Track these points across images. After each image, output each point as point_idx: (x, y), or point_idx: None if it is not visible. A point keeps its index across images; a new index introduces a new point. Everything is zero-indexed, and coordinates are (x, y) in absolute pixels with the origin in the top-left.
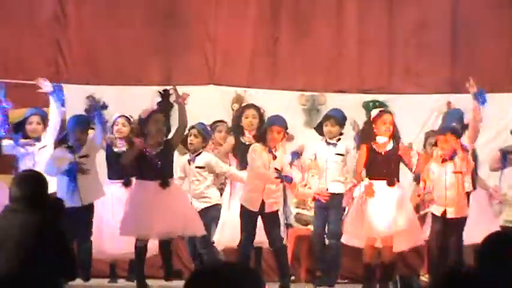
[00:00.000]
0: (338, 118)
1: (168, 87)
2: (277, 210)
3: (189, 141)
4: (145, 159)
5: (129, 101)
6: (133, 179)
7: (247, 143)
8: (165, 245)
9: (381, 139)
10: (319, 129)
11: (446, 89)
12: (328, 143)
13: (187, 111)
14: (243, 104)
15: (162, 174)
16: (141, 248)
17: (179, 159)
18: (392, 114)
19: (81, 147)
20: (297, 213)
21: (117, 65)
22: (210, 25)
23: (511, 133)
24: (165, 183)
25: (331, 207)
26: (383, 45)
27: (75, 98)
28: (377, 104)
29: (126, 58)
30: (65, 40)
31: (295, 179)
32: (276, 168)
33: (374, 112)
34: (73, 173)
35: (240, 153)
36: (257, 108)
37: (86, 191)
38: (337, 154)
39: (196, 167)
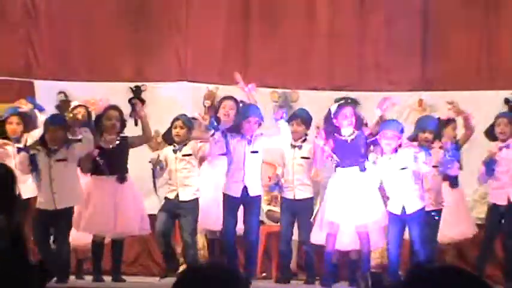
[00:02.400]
0: (304, 117)
1: (139, 84)
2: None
3: (174, 133)
4: (101, 155)
5: (100, 97)
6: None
7: None
8: (118, 245)
9: (345, 131)
10: None
11: (417, 86)
12: (293, 146)
13: (160, 106)
14: (222, 96)
15: (118, 169)
16: (97, 244)
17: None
18: (351, 106)
19: (57, 148)
20: (268, 210)
21: (89, 61)
22: (182, 21)
23: (485, 134)
24: (122, 178)
25: (300, 213)
26: (354, 42)
27: (46, 93)
28: (349, 101)
29: (97, 54)
30: (36, 35)
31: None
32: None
33: (333, 108)
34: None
35: None
36: (235, 100)
37: (60, 196)
38: (303, 157)
39: (184, 155)
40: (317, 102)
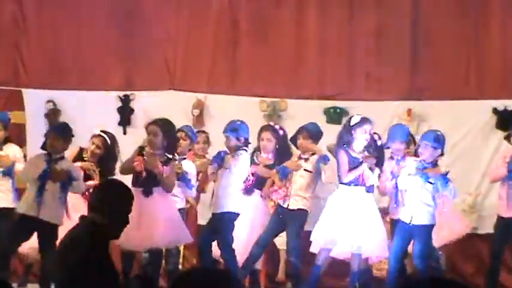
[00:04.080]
0: (311, 132)
1: (128, 93)
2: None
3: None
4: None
5: (89, 106)
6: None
7: None
8: (156, 256)
9: (357, 147)
10: (293, 141)
11: (407, 96)
12: (300, 157)
13: (149, 115)
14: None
15: (146, 182)
16: (126, 254)
17: None
18: (372, 124)
19: (59, 158)
20: None
21: (78, 70)
22: (171, 31)
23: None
24: (148, 192)
25: (290, 223)
26: (343, 51)
27: (35, 102)
28: (338, 110)
29: (86, 62)
30: (24, 43)
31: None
32: None
33: (355, 119)
34: (44, 178)
35: None
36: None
37: (45, 207)
38: (306, 170)
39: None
40: (306, 111)
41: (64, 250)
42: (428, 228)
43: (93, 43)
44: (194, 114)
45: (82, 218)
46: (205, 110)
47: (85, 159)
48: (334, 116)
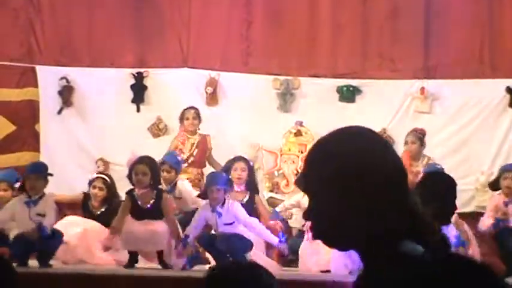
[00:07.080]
0: None
1: (141, 70)
2: None
3: (162, 176)
4: (136, 210)
5: (102, 83)
6: None
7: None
8: None
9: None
10: None
11: (420, 75)
12: None
13: (162, 93)
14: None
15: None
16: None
17: None
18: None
19: (38, 199)
20: (270, 197)
21: (91, 47)
22: (184, 8)
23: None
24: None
25: None
26: (357, 30)
27: (49, 79)
28: (351, 88)
29: (99, 40)
30: (38, 21)
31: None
32: None
33: None
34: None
35: None
36: (246, 161)
37: None
38: None
39: (175, 197)
40: (319, 89)
41: None
42: None
43: (107, 20)
44: (207, 92)
45: None
46: (218, 88)
47: (90, 209)
48: (347, 94)
